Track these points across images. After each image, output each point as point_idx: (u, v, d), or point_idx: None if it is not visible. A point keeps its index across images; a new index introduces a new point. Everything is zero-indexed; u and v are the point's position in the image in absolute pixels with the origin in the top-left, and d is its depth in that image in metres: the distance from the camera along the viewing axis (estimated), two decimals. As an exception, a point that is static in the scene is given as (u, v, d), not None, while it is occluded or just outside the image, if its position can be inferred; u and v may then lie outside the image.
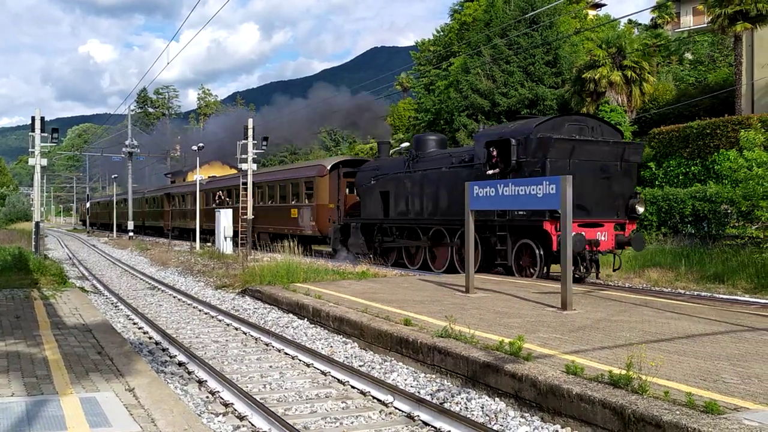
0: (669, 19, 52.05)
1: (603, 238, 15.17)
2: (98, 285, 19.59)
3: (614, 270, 16.21)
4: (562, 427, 5.97)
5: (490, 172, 15.99)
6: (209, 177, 42.69)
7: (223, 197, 36.15)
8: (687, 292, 14.95)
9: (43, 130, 23.82)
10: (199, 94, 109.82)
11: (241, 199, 31.57)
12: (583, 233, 14.44)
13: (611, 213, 15.50)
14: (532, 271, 15.39)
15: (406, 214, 19.83)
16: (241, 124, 29.14)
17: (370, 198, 21.83)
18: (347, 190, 25.37)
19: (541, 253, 15.03)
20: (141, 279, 21.37)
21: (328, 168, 25.71)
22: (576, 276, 14.61)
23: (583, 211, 14.88)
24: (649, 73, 34.21)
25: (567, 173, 12.84)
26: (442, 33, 58.05)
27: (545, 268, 15.34)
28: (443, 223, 18.34)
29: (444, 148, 20.45)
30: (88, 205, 75.11)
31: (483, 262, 16.63)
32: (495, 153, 16.18)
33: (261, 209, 30.43)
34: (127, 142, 47.29)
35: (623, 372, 5.90)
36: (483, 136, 16.98)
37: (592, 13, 55.67)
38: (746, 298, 13.76)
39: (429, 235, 18.95)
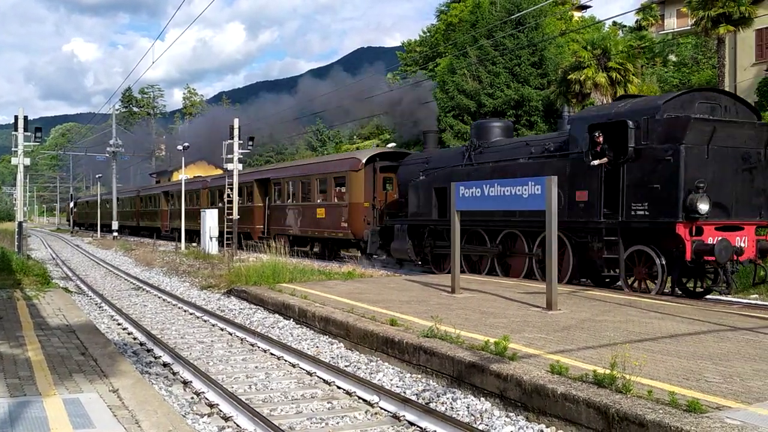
0: (653, 22, 52.46)
1: (743, 245, 12.35)
2: (82, 285, 19.45)
3: (754, 284, 13.32)
4: (547, 427, 6.00)
5: (596, 162, 13.19)
6: (194, 176, 42.17)
7: (232, 195, 34.59)
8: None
9: (26, 129, 23.67)
10: (184, 93, 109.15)
11: (228, 198, 30.35)
12: (727, 239, 11.86)
13: (753, 213, 12.61)
14: (649, 285, 12.85)
15: (469, 214, 16.12)
16: (220, 123, 28.60)
17: (419, 196, 18.68)
18: (383, 187, 22.80)
19: (663, 262, 12.24)
20: (125, 279, 21.23)
21: (364, 162, 22.60)
22: (718, 292, 13.03)
23: (722, 211, 12.21)
24: (633, 74, 34.44)
25: (704, 163, 11.82)
26: (428, 34, 58.13)
27: (669, 281, 12.62)
28: (520, 225, 15.37)
29: (510, 136, 17.93)
30: (72, 204, 74.36)
31: (579, 272, 14.19)
32: (601, 139, 13.23)
33: (279, 209, 28.09)
34: (111, 142, 46.97)
35: (607, 371, 5.94)
36: (584, 119, 13.99)
37: (577, 14, 55.96)
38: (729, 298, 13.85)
39: (498, 240, 16.09)
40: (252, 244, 26.40)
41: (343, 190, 23.23)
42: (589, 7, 61.95)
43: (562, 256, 13.62)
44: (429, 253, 18.42)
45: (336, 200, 23.75)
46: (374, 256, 21.94)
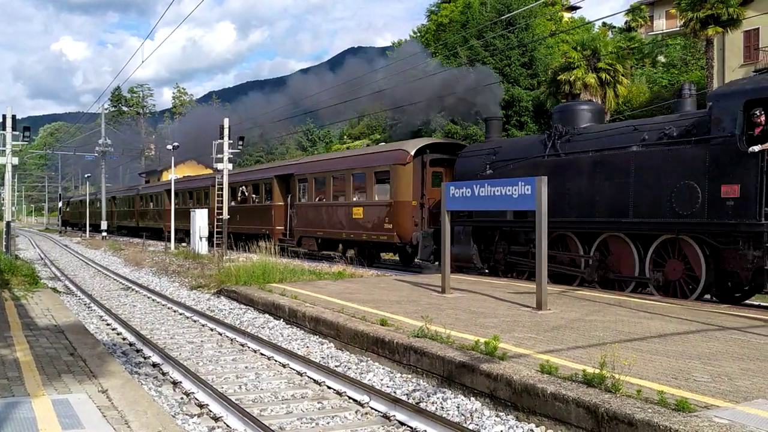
0: (643, 23, 52.77)
1: None
2: (71, 286, 19.34)
3: None
4: (537, 426, 6.02)
5: (757, 148, 10.54)
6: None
7: (247, 193, 30.49)
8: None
9: (14, 129, 23.51)
10: (174, 92, 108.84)
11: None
12: None
13: None
14: None
15: (557, 213, 13.40)
16: (209, 122, 28.02)
17: None
18: (432, 183, 19.77)
19: None
20: (114, 279, 21.14)
21: (413, 154, 19.62)
22: None
23: None
24: (623, 75, 34.66)
25: None
26: (418, 34, 58.20)
27: None
28: (629, 227, 12.78)
29: (601, 121, 15.57)
30: (60, 204, 73.85)
31: (715, 286, 11.76)
32: (763, 118, 10.80)
33: (304, 208, 24.95)
34: (100, 141, 46.73)
35: (597, 371, 5.97)
36: (736, 94, 11.24)
37: (567, 15, 56.22)
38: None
39: (595, 245, 13.57)
40: (257, 247, 23.61)
41: (387, 186, 20.35)
42: (578, 8, 62.22)
43: (686, 265, 12.00)
44: (502, 260, 15.96)
45: (377, 198, 20.81)
46: (425, 262, 19.71)
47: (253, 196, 29.79)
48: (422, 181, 19.63)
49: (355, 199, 21.97)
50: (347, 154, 25.01)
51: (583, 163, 13.72)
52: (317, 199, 24.27)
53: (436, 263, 18.49)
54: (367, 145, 44.37)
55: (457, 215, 17.02)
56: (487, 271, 16.54)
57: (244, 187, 30.62)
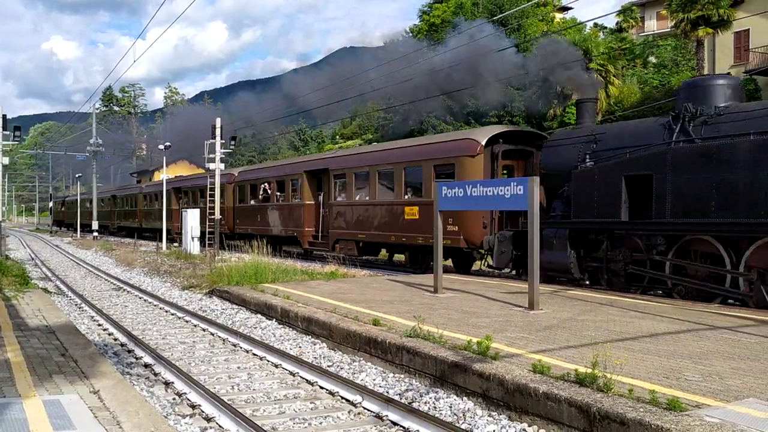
0: (634, 24, 52.96)
1: None
2: (62, 286, 19.25)
3: None
4: (529, 426, 6.03)
5: None
6: (173, 175, 41.35)
7: (271, 191, 27.37)
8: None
9: (5, 128, 23.41)
10: (165, 92, 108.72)
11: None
12: None
13: None
14: None
15: (692, 213, 11.37)
16: (200, 122, 27.53)
17: (595, 188, 13.22)
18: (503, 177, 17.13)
19: None
20: (106, 280, 21.05)
21: (483, 144, 17.00)
22: None
23: None
24: (614, 76, 34.80)
25: None
26: (411, 34, 58.22)
27: None
28: None
29: (741, 99, 12.80)
30: (51, 204, 73.41)
31: None
32: None
33: (342, 208, 22.03)
34: (91, 141, 46.55)
35: (589, 370, 5.99)
36: None
37: (559, 16, 56.36)
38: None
39: (747, 254, 11.05)
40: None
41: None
42: (570, 8, 62.40)
43: None
44: (621, 270, 13.10)
45: None
46: (501, 269, 16.59)
47: (278, 194, 26.80)
48: (492, 176, 17.03)
49: (407, 197, 19.25)
50: (398, 146, 21.54)
51: (739, 149, 10.92)
52: (358, 197, 21.45)
53: (514, 272, 16.32)
54: (359, 145, 43.79)
55: (547, 216, 14.73)
56: (587, 282, 13.95)
57: (266, 183, 27.70)
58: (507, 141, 17.43)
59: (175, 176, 41.45)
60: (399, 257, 22.09)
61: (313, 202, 24.23)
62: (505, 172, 17.60)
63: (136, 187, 49.63)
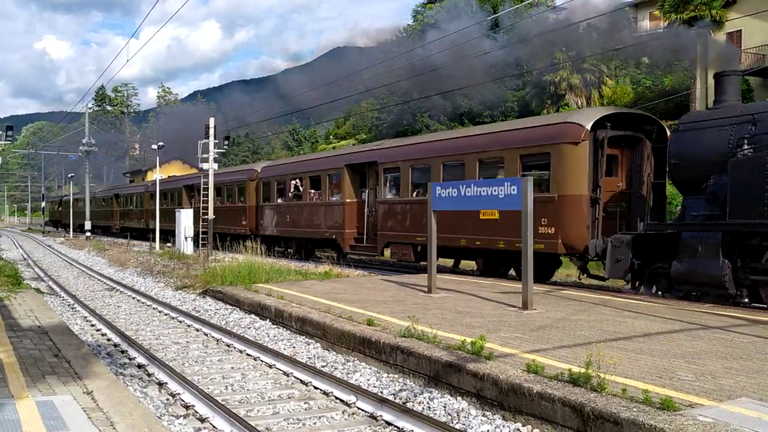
0: (627, 24, 53.07)
1: None
2: (54, 286, 19.18)
3: None
4: (523, 425, 6.04)
5: None
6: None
7: (303, 188, 24.36)
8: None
9: (-4, 128, 23.27)
10: (158, 92, 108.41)
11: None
12: None
13: None
14: None
15: None
16: (194, 121, 27.15)
17: (751, 182, 10.71)
18: (607, 171, 14.58)
19: None
20: (99, 280, 20.99)
21: (588, 128, 14.11)
22: None
23: None
24: (607, 76, 34.90)
25: None
26: (404, 34, 58.25)
27: None
28: None
29: None
30: (44, 204, 73.06)
31: None
32: None
33: (396, 206, 19.29)
34: (84, 141, 46.39)
35: (582, 370, 6.01)
36: None
37: (552, 16, 56.41)
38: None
39: None
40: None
41: (545, 174, 15.01)
42: (564, 9, 62.49)
43: None
44: None
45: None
46: (619, 279, 14.04)
47: (311, 191, 23.85)
48: (596, 168, 14.32)
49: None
50: (470, 133, 18.51)
51: None
52: (415, 194, 18.72)
53: (628, 285, 13.53)
54: (353, 145, 42.96)
55: (688, 216, 12.16)
56: (746, 300, 11.26)
57: (298, 180, 24.77)
58: (618, 125, 14.70)
59: (187, 174, 39.43)
60: (467, 263, 19.48)
61: (355, 200, 21.56)
62: (610, 163, 14.76)
63: (141, 185, 46.21)
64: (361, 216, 21.36)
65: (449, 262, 19.20)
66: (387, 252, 20.11)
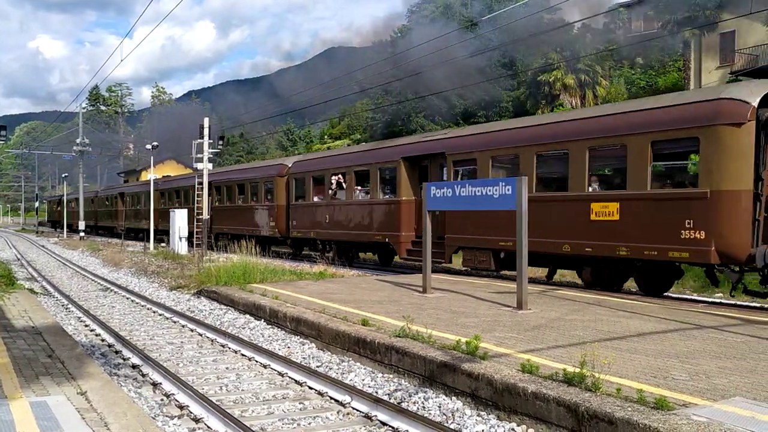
0: (621, 24, 53.21)
1: None
2: (48, 287, 19.12)
3: None
4: (518, 425, 6.05)
5: None
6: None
7: (346, 184, 21.61)
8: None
9: (-10, 128, 23.19)
10: (153, 92, 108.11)
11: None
12: None
13: None
14: None
15: None
16: (189, 121, 27.02)
17: None
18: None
19: None
20: (93, 280, 20.92)
21: (755, 105, 11.13)
22: None
23: None
24: (601, 76, 34.98)
25: None
26: (399, 34, 58.27)
27: None
28: None
29: None
30: (37, 204, 72.79)
31: None
32: None
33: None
34: (78, 141, 46.28)
35: (577, 370, 6.02)
36: None
37: (547, 16, 56.49)
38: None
39: None
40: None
41: (684, 165, 12.94)
42: (559, 9, 62.58)
43: None
44: None
45: (655, 186, 12.45)
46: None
47: (357, 188, 21.28)
48: (759, 155, 11.29)
49: (592, 188, 13.49)
50: (577, 116, 14.91)
51: None
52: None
53: None
54: (348, 146, 41.95)
55: None
56: None
57: (341, 175, 21.95)
58: None
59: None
60: (565, 273, 16.73)
61: (413, 198, 18.50)
62: None
63: (144, 183, 42.50)
64: (419, 216, 17.30)
65: (537, 272, 16.20)
66: (456, 259, 17.27)
